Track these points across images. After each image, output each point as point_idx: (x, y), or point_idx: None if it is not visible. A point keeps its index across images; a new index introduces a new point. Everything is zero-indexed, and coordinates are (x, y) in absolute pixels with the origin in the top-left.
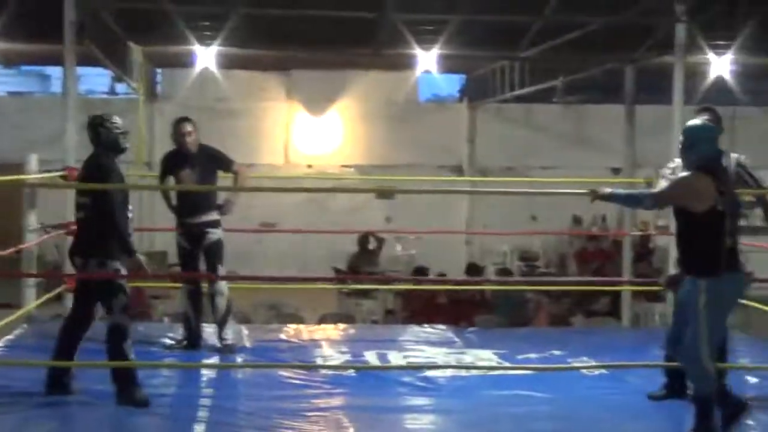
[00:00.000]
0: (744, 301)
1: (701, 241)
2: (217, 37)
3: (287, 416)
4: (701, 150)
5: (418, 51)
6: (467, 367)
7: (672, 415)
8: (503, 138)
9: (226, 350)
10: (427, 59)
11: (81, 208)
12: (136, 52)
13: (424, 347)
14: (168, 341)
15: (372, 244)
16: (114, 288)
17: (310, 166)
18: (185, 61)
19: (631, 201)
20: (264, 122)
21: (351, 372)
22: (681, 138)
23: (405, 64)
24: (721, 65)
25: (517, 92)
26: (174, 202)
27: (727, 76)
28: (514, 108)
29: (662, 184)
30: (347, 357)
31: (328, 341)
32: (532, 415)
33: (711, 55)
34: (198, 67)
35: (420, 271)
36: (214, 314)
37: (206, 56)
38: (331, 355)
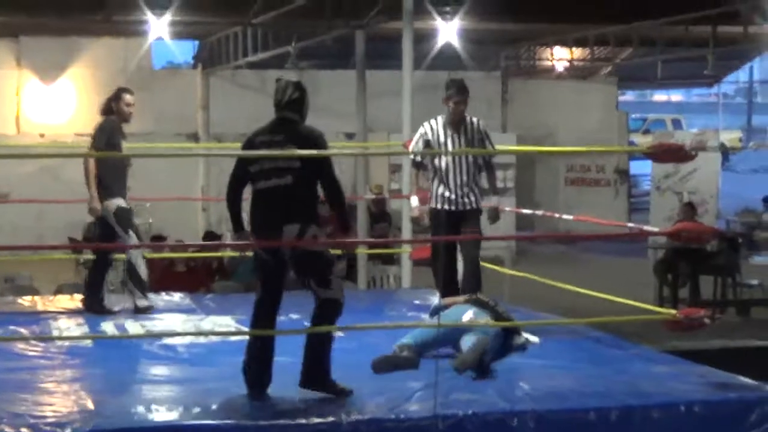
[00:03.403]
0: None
1: None
2: None
3: (23, 389)
4: None
5: (150, 17)
6: (206, 334)
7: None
8: (238, 104)
9: None
10: (159, 25)
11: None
12: None
13: (163, 315)
14: None
15: None
16: (332, 258)
17: (42, 135)
18: None
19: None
20: None
21: (88, 342)
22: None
23: (137, 30)
24: (448, 31)
25: (251, 58)
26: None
27: (455, 42)
28: (249, 74)
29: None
30: (84, 328)
31: (65, 312)
32: (275, 380)
33: (439, 21)
34: None
35: (157, 240)
36: None
37: None
38: (68, 326)
